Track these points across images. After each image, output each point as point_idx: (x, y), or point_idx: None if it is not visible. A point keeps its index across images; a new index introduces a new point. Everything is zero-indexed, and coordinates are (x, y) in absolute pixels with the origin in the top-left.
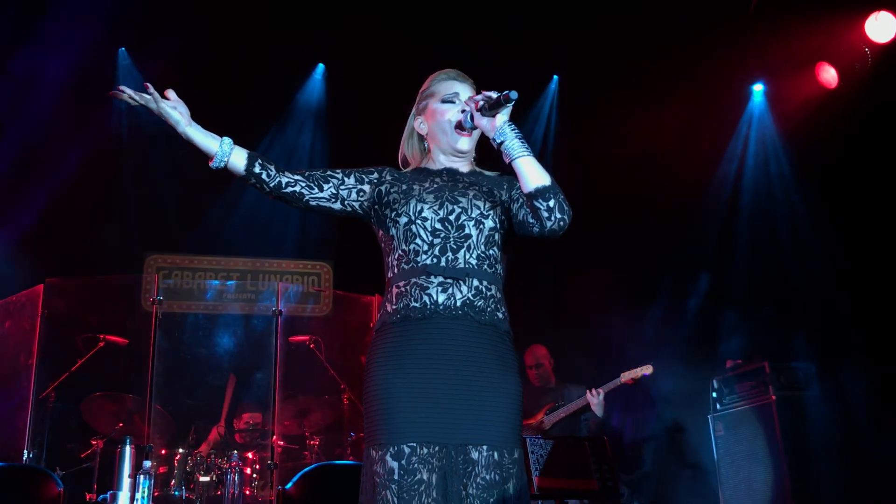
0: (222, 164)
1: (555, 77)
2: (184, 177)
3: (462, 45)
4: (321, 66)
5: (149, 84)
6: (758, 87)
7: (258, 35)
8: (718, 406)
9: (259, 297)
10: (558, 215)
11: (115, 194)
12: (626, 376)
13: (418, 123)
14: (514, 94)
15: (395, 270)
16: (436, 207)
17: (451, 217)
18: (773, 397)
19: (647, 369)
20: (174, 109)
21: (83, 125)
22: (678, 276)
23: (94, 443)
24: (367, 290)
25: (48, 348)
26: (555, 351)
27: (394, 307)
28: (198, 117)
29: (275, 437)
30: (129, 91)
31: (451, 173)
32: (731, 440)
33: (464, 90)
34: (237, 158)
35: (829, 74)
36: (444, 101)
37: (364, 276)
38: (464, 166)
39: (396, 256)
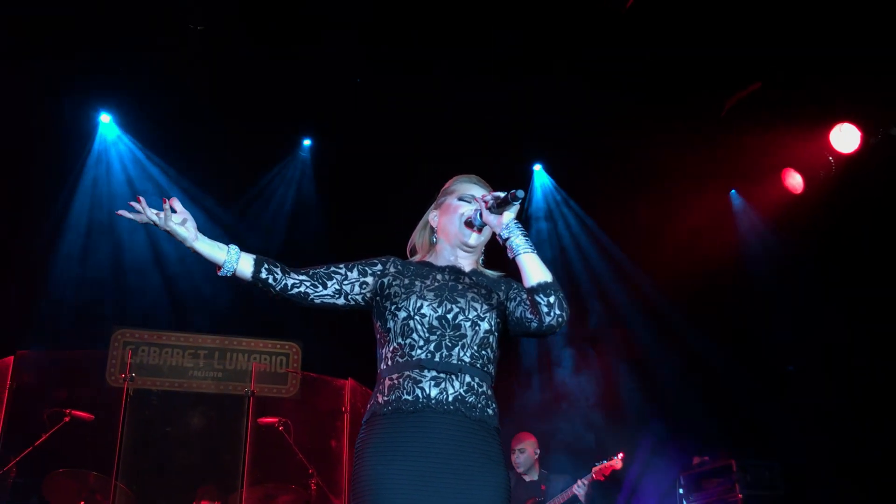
0: (230, 273)
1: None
2: (156, 251)
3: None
4: (308, 142)
5: (166, 198)
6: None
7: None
8: (685, 503)
9: (227, 375)
10: (557, 311)
11: (88, 266)
12: (599, 471)
13: (432, 217)
14: (520, 193)
15: (389, 363)
16: (435, 305)
17: (449, 316)
18: (740, 496)
19: (618, 463)
20: (181, 226)
21: (56, 199)
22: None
23: None
24: (340, 374)
25: (13, 422)
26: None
27: (385, 398)
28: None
29: None
30: (139, 207)
31: (454, 271)
32: None
33: (480, 194)
34: (244, 266)
35: (795, 180)
36: (460, 199)
37: (336, 359)
38: (468, 265)
39: (391, 349)
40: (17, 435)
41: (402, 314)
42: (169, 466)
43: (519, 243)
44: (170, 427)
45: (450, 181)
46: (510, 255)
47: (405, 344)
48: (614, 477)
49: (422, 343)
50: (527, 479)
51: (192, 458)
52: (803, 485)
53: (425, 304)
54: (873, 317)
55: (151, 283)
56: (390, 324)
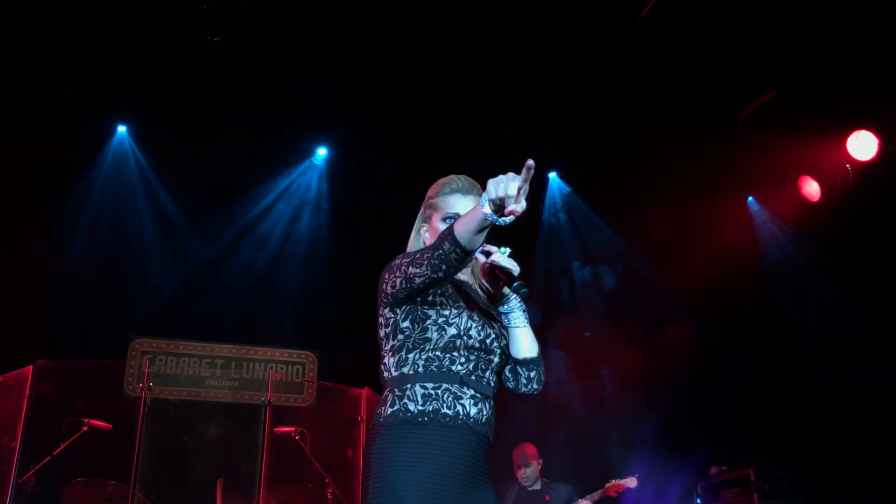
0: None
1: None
2: (174, 260)
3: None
4: (325, 150)
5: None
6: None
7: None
8: None
9: (244, 384)
10: (535, 385)
11: (105, 276)
12: (612, 488)
13: (423, 231)
14: (524, 293)
15: (420, 369)
16: (478, 328)
17: (488, 340)
18: None
19: (632, 482)
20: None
21: (72, 207)
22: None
23: None
24: (356, 383)
25: (32, 431)
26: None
27: (420, 408)
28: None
29: None
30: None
31: (469, 287)
32: None
33: (466, 205)
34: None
35: (812, 188)
36: (444, 220)
37: (353, 369)
38: (473, 281)
39: (425, 358)
40: (36, 444)
41: (452, 331)
42: (186, 476)
43: (517, 317)
44: (187, 436)
45: (435, 187)
46: (504, 321)
47: (444, 357)
48: (628, 494)
49: (462, 360)
50: (530, 488)
51: (209, 468)
52: (822, 495)
53: (473, 325)
54: (893, 324)
55: (168, 292)
56: (432, 334)
